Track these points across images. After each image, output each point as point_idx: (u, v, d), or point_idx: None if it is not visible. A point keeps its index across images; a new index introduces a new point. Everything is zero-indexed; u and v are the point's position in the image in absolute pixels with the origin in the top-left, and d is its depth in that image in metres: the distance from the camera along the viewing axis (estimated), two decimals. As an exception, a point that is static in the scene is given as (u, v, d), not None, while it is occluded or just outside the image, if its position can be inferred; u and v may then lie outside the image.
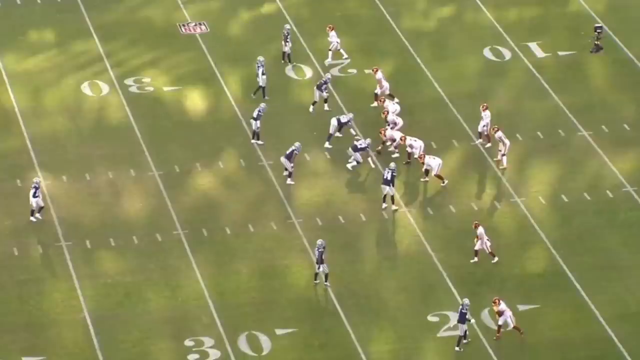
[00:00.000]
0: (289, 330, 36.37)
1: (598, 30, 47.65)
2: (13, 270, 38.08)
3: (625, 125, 44.78)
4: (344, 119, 43.29)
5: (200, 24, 49.14)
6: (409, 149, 42.00)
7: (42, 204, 39.54)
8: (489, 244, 38.45)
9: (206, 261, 38.62)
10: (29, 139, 43.28)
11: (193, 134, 43.68)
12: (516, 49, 48.74)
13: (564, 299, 37.71)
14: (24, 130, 43.70)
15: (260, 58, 44.65)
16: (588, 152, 43.43)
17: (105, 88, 46.03)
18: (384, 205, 40.41)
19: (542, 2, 51.37)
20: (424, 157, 41.38)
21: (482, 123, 43.09)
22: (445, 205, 41.07)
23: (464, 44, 49.01)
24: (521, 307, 37.19)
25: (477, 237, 38.38)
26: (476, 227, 38.46)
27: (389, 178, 39.89)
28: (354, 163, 41.94)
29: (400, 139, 42.35)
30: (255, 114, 42.98)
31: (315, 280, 37.63)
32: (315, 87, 44.49)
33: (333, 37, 46.95)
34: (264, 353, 35.72)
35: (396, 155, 42.44)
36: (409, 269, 38.56)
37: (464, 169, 42.80)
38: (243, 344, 35.88)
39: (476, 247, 38.53)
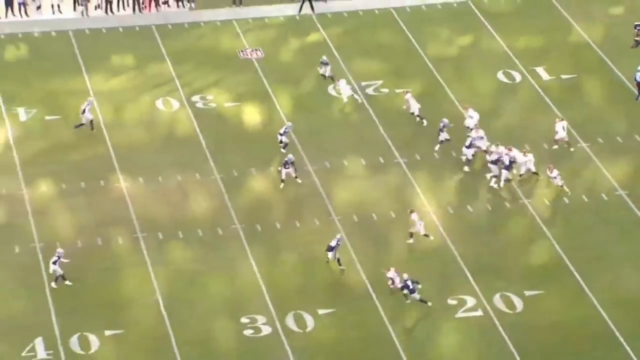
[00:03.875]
0: (329, 310, 36.33)
1: (638, 28, 47.54)
2: (97, 257, 38.27)
3: (618, 138, 44.45)
4: (282, 129, 42.85)
5: (256, 50, 49.24)
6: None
7: (61, 272, 36.67)
8: (422, 224, 38.40)
9: (259, 252, 38.64)
10: (112, 147, 43.46)
11: (249, 143, 43.75)
12: (525, 72, 48.50)
13: (565, 286, 37.49)
14: (107, 140, 43.88)
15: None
16: (586, 160, 43.15)
17: (175, 104, 46.16)
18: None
19: (547, 32, 51.11)
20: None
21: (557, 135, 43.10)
22: (463, 206, 40.89)
23: (480, 67, 48.83)
24: (527, 293, 36.99)
25: (411, 222, 38.34)
26: (411, 212, 38.40)
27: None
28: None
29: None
30: (282, 131, 42.84)
31: (339, 264, 37.60)
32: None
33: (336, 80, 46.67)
34: (308, 329, 35.71)
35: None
36: (431, 259, 38.44)
37: (479, 175, 42.58)
38: (290, 322, 35.88)
39: (411, 230, 38.46)
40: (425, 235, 38.63)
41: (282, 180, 41.02)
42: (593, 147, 43.86)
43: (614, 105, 46.53)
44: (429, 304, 36.01)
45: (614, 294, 37.13)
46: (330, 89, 47.01)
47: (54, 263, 36.61)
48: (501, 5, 53.24)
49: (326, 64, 47.11)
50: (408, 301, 36.05)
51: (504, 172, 41.34)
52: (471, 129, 43.13)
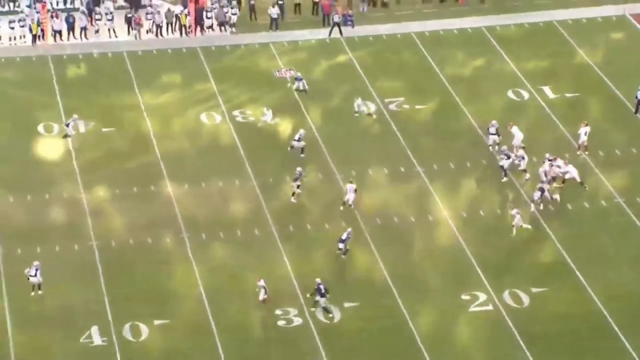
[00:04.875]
0: (354, 304, 36.28)
1: None
2: (147, 255, 38.37)
3: (617, 150, 44.19)
4: (297, 136, 43.10)
5: (290, 70, 49.27)
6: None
7: (40, 281, 35.84)
8: (353, 196, 39.44)
9: (292, 250, 38.64)
10: (160, 156, 43.59)
11: (283, 153, 43.75)
12: (533, 91, 48.28)
13: (567, 284, 37.30)
14: (156, 149, 44.01)
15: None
16: (587, 170, 42.88)
17: (218, 118, 46.26)
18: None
19: (553, 56, 50.89)
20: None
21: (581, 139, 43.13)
22: (476, 210, 40.75)
23: (492, 86, 48.65)
24: (534, 290, 36.82)
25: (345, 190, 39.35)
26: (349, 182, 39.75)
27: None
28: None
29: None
30: (297, 137, 43.00)
31: (344, 254, 37.74)
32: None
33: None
34: (334, 321, 35.66)
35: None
36: (446, 258, 38.33)
37: (490, 182, 42.46)
38: (319, 314, 35.84)
39: (345, 199, 39.50)
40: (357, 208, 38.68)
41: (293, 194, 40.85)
42: (594, 158, 43.64)
43: (613, 121, 46.25)
44: (332, 315, 35.46)
45: (611, 290, 36.91)
46: (355, 105, 47.00)
47: (34, 275, 35.75)
48: (511, 31, 53.07)
49: (300, 79, 46.86)
50: (313, 309, 35.52)
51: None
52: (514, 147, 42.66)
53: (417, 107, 46.86)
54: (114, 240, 38.83)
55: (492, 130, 43.56)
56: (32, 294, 36.11)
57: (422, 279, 37.32)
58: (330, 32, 52.36)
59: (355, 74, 49.15)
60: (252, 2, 53.27)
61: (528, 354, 34.56)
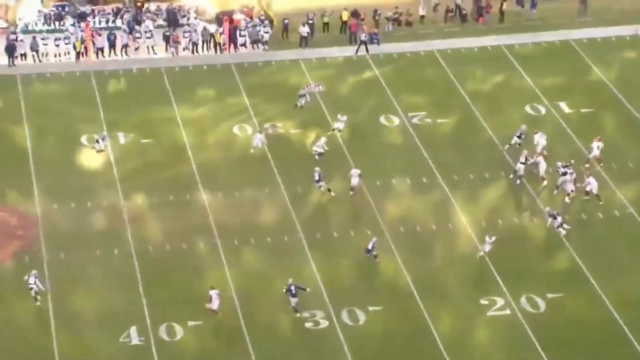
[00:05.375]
0: (378, 308, 36.20)
1: None
2: (182, 259, 38.43)
3: (630, 163, 43.89)
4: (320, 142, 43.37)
5: (318, 85, 49.26)
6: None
7: (36, 290, 35.39)
8: (357, 180, 40.46)
9: (318, 256, 38.60)
10: (195, 166, 43.69)
11: (311, 163, 43.69)
12: (549, 106, 48.07)
13: (582, 290, 37.05)
14: (192, 160, 44.11)
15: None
16: (601, 182, 42.55)
17: (249, 130, 46.34)
18: None
19: (569, 73, 50.64)
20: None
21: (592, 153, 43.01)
22: (495, 220, 40.55)
23: (510, 102, 48.46)
24: (550, 295, 36.59)
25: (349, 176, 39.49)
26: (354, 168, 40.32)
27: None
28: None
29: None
30: (320, 144, 43.33)
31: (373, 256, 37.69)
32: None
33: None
34: (359, 323, 35.59)
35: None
36: (466, 265, 38.15)
37: (509, 193, 42.26)
38: (345, 316, 35.78)
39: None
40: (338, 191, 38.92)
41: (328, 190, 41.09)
42: (607, 170, 43.34)
43: (626, 135, 45.94)
44: (298, 315, 35.29)
45: (624, 297, 36.61)
46: (382, 119, 46.97)
47: (34, 283, 35.23)
48: (529, 49, 52.89)
49: (303, 95, 46.62)
50: (290, 306, 35.46)
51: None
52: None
53: (439, 121, 46.76)
54: (151, 246, 38.94)
55: (518, 133, 43.57)
56: (38, 303, 35.65)
57: (443, 284, 37.17)
58: (357, 50, 52.37)
59: (380, 89, 49.13)
60: (287, 22, 53.42)
61: (543, 355, 34.31)
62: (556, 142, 45.22)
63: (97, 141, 43.69)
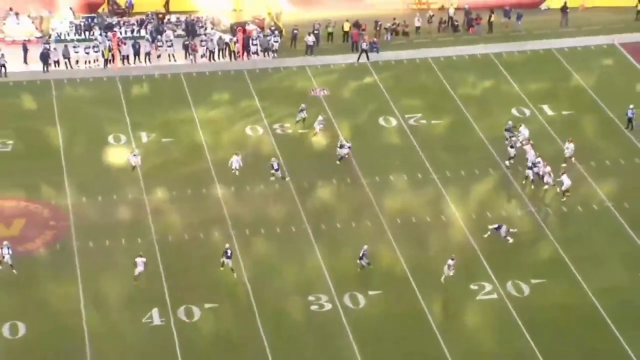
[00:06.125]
0: (377, 292, 36.23)
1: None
2: (199, 248, 38.43)
3: (607, 161, 43.85)
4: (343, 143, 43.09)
5: (323, 89, 49.36)
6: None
7: (10, 262, 36.06)
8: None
9: (323, 245, 38.61)
10: (211, 163, 43.69)
11: (317, 160, 43.76)
12: (534, 109, 48.05)
13: (563, 277, 37.06)
14: (208, 157, 44.12)
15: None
16: (581, 179, 42.59)
17: (260, 130, 46.32)
18: None
19: (552, 79, 50.57)
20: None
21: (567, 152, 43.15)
22: (483, 213, 40.55)
23: (498, 105, 48.42)
24: (533, 281, 36.59)
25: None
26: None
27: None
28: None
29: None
30: (341, 144, 43.17)
31: (366, 264, 36.77)
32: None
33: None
34: (360, 306, 35.62)
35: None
36: (457, 253, 38.06)
37: (496, 189, 42.27)
38: (347, 300, 35.82)
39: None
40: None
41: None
42: (586, 168, 43.32)
43: (603, 136, 45.88)
44: (235, 275, 35.81)
45: (601, 283, 36.63)
46: (381, 120, 46.99)
47: (7, 253, 35.73)
48: (516, 57, 52.85)
49: (302, 110, 45.87)
50: (222, 268, 35.93)
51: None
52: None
53: (433, 122, 46.74)
54: (171, 235, 38.98)
55: (506, 127, 44.44)
56: (14, 271, 35.97)
57: (436, 270, 37.16)
58: (359, 58, 52.38)
59: (380, 93, 49.14)
60: (296, 32, 53.46)
61: (527, 336, 34.37)
62: (540, 141, 45.19)
63: (131, 156, 42.52)
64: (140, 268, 35.90)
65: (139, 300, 35.61)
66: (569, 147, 43.19)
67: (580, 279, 36.86)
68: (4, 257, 36.11)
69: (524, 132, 44.06)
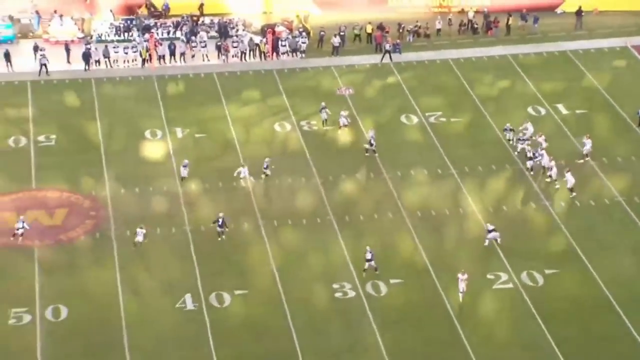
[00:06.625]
0: (398, 281, 36.07)
1: None
2: (230, 237, 38.37)
3: (618, 158, 43.34)
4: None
5: (348, 88, 49.20)
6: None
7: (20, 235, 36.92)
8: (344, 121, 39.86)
9: (347, 236, 38.49)
10: (242, 157, 43.73)
11: (341, 156, 43.64)
12: (549, 108, 47.58)
13: (575, 267, 36.68)
14: (239, 152, 44.13)
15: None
16: (593, 174, 42.14)
17: (288, 127, 46.27)
18: None
19: (566, 79, 50.06)
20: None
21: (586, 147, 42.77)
22: (500, 207, 40.24)
23: (515, 104, 48.01)
24: (547, 271, 36.26)
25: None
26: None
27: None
28: None
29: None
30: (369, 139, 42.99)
31: (365, 271, 35.87)
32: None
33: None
34: (382, 294, 35.48)
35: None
36: (474, 244, 37.89)
37: (513, 183, 41.91)
38: (369, 288, 35.70)
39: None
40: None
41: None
42: (599, 164, 42.84)
43: (615, 134, 45.36)
44: (220, 239, 36.66)
45: (612, 274, 36.21)
46: (403, 118, 46.73)
47: (22, 227, 36.81)
48: (532, 58, 52.37)
49: (323, 109, 45.32)
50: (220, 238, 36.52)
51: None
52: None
53: (453, 120, 46.44)
54: (203, 225, 38.99)
55: (505, 128, 44.07)
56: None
57: (454, 261, 36.92)
58: (382, 58, 52.14)
59: (402, 92, 48.87)
60: (323, 33, 53.34)
61: (541, 324, 34.04)
62: (555, 139, 44.74)
63: (181, 168, 41.61)
64: (139, 238, 36.48)
65: (173, 287, 35.68)
66: (587, 143, 42.71)
67: (592, 270, 36.46)
68: (18, 229, 36.73)
69: (530, 128, 43.53)
